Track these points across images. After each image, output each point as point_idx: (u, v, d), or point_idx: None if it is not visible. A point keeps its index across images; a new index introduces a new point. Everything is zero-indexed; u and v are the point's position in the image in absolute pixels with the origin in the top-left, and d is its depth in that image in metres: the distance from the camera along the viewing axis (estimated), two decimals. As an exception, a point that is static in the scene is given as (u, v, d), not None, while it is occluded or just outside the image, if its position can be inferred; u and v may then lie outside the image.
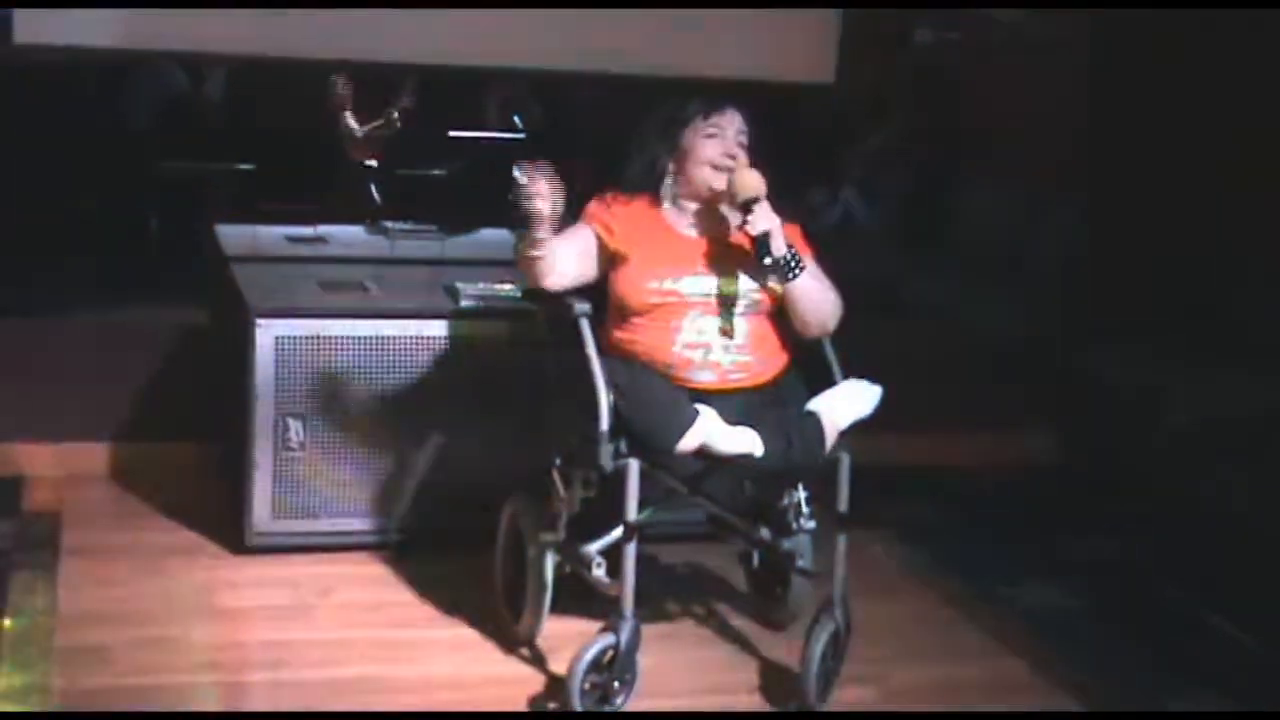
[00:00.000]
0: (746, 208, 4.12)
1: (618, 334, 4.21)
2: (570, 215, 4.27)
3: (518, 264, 4.20)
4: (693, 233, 4.28)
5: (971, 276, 6.90)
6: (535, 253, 4.10)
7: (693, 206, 4.31)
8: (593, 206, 4.30)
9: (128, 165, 6.62)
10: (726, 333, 4.17)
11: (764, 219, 4.11)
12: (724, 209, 4.26)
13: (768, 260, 4.11)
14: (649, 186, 4.32)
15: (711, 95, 4.37)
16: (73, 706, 3.96)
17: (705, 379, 4.15)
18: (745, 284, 4.20)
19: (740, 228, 4.16)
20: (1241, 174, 6.07)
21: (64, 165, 6.38)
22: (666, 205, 4.33)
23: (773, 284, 4.19)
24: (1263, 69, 5.96)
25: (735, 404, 4.10)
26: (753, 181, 4.16)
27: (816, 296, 4.22)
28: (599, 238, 4.25)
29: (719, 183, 4.23)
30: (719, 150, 4.26)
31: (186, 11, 5.58)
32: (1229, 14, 5.98)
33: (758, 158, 4.29)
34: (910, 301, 6.80)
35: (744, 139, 4.29)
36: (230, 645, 4.37)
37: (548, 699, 4.17)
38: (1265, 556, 5.12)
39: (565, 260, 4.20)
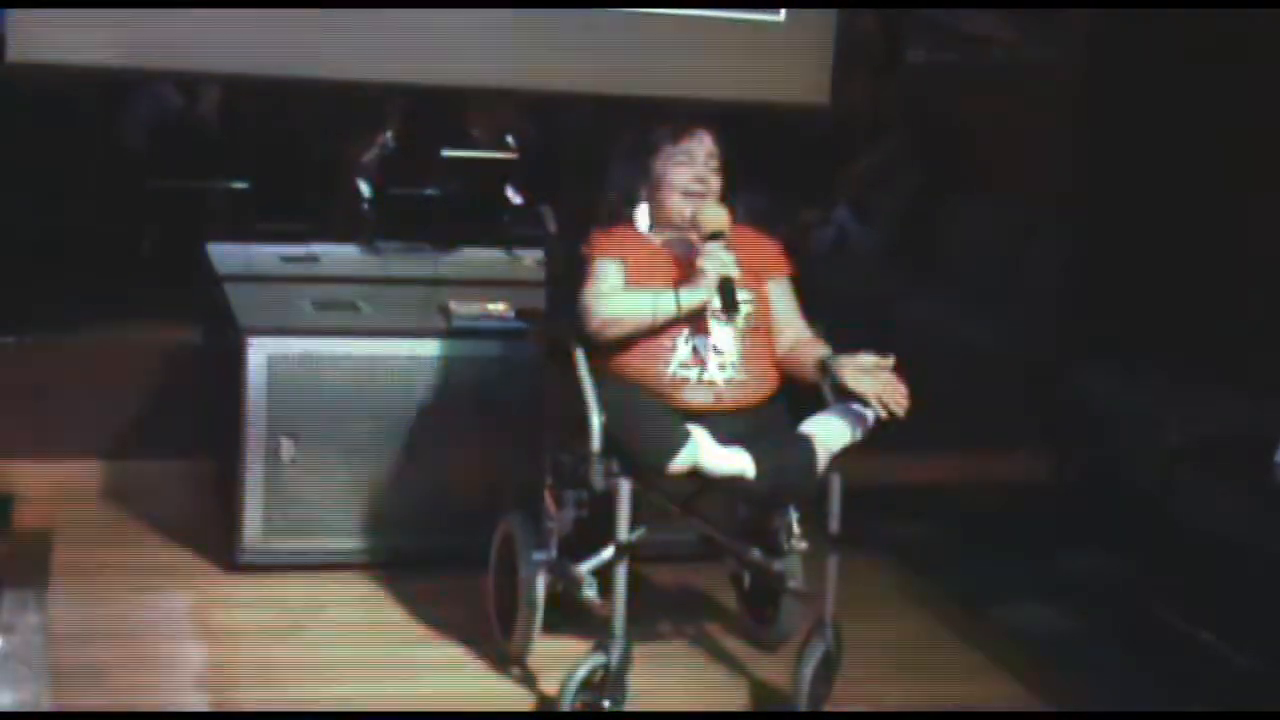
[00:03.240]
0: (712, 239, 4.16)
1: (614, 352, 4.20)
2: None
3: (612, 327, 4.16)
4: (682, 253, 4.28)
5: (965, 296, 6.91)
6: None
7: (671, 231, 4.31)
8: (602, 241, 4.29)
9: (121, 183, 6.63)
10: (721, 351, 4.17)
11: (716, 264, 4.12)
12: (692, 237, 4.25)
13: (719, 304, 4.14)
14: (626, 214, 4.33)
15: (680, 118, 4.38)
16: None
17: (699, 399, 4.14)
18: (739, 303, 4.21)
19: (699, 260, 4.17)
20: (1237, 194, 6.07)
21: (57, 183, 6.39)
22: (650, 230, 4.33)
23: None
24: (1261, 90, 5.97)
25: (728, 425, 4.09)
26: (716, 218, 4.18)
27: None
28: (623, 267, 4.25)
29: (690, 210, 4.24)
30: (689, 176, 4.28)
31: (181, 30, 5.58)
32: (1225, 35, 5.99)
33: (733, 176, 4.31)
34: (903, 321, 6.80)
35: (715, 162, 4.30)
36: (221, 664, 4.36)
37: (538, 718, 4.18)
38: (1258, 575, 5.12)
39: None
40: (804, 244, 6.36)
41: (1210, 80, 6.11)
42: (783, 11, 6.18)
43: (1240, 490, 5.46)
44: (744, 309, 4.21)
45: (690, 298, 4.13)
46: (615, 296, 4.18)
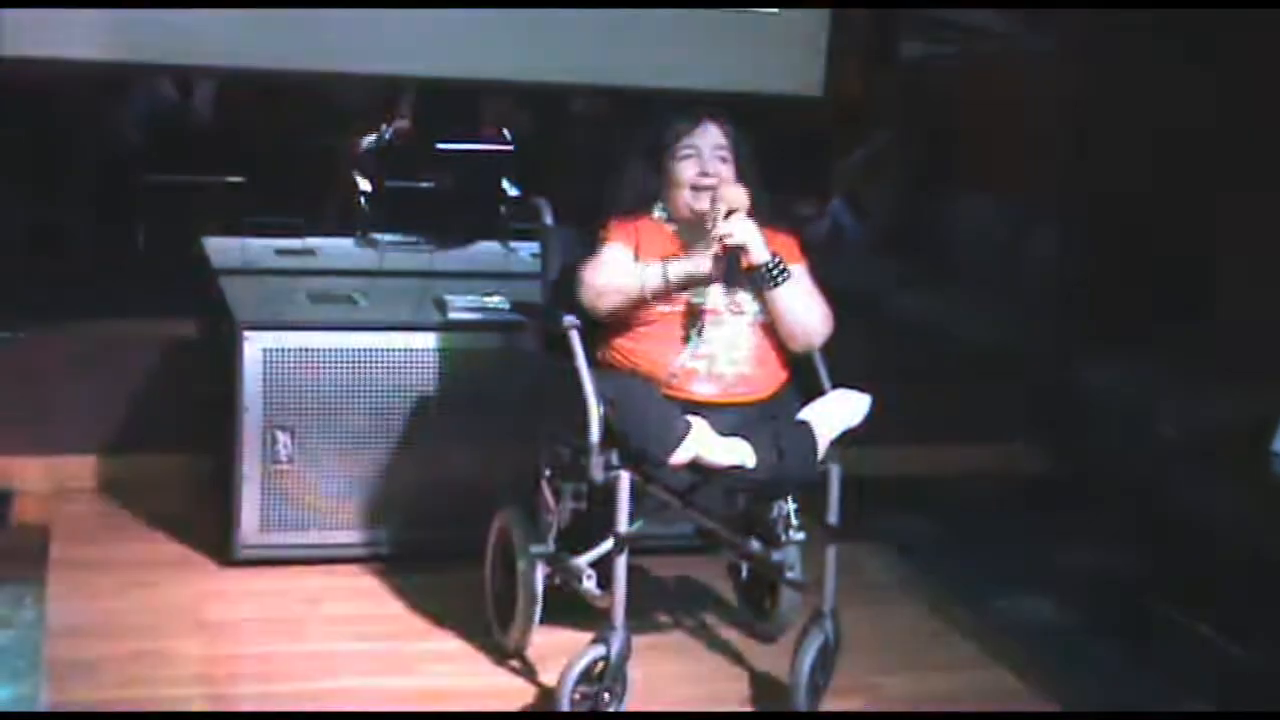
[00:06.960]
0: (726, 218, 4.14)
1: (620, 343, 4.20)
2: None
3: (604, 297, 4.18)
4: (698, 246, 4.26)
5: (961, 287, 6.91)
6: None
7: (685, 225, 4.31)
8: (615, 225, 4.30)
9: (116, 178, 6.62)
10: (732, 345, 4.16)
11: (740, 231, 4.11)
12: (707, 225, 4.23)
13: (745, 267, 4.12)
14: (643, 210, 4.33)
15: (688, 112, 4.37)
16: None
17: (706, 391, 4.14)
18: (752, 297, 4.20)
19: (719, 240, 4.14)
20: (1234, 187, 6.08)
21: (52, 178, 6.37)
22: (666, 223, 4.33)
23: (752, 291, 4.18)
24: (1258, 83, 5.97)
25: (735, 417, 4.10)
26: (733, 195, 4.16)
27: (800, 308, 4.21)
28: (633, 253, 4.25)
29: (700, 203, 4.24)
30: (695, 170, 4.27)
31: (175, 23, 5.57)
32: (1224, 28, 5.99)
33: (744, 168, 4.30)
34: (899, 312, 6.81)
35: (723, 153, 4.29)
36: (219, 658, 4.36)
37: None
38: (1254, 567, 5.12)
39: None
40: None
41: (1213, 70, 6.12)
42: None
43: (1237, 481, 5.46)
44: (758, 307, 4.21)
45: (679, 268, 4.13)
46: (607, 266, 4.19)
